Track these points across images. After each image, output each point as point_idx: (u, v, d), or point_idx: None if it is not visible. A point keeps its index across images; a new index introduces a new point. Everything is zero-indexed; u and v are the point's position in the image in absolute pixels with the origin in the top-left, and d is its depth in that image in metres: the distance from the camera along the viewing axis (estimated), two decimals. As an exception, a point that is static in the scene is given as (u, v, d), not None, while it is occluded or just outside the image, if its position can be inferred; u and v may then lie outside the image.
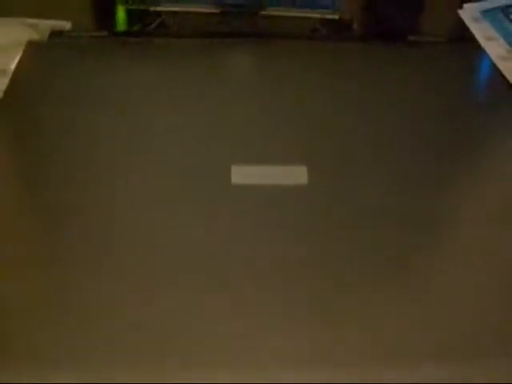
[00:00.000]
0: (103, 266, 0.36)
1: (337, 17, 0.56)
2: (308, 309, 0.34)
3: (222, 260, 0.36)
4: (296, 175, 0.42)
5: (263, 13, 0.56)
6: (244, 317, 0.34)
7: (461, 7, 0.60)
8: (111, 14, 0.56)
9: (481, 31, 0.58)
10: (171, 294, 0.35)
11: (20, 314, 0.34)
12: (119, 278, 0.35)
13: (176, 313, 0.34)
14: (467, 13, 0.60)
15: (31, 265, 0.36)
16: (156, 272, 0.36)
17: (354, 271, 0.36)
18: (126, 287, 0.35)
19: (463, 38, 0.57)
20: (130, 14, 0.56)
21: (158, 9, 0.56)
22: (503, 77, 0.51)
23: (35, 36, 0.53)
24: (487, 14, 0.60)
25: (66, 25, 0.55)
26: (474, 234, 0.39)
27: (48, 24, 0.55)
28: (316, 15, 0.57)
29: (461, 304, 0.35)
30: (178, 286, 0.35)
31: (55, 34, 0.53)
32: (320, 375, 0.32)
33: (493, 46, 0.55)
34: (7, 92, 0.48)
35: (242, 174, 0.41)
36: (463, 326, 0.34)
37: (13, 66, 0.50)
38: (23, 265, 0.36)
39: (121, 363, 0.32)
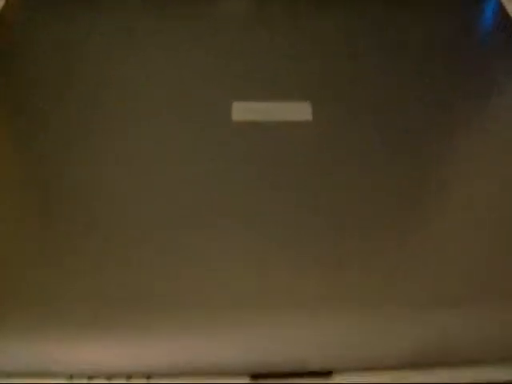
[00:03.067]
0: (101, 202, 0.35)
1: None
2: (312, 251, 0.33)
3: (222, 199, 0.35)
4: (300, 111, 0.40)
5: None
6: (237, 260, 0.32)
7: None
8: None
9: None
10: (167, 232, 0.33)
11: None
12: (118, 212, 0.34)
13: (173, 251, 0.32)
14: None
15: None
16: (153, 210, 0.34)
17: (356, 211, 0.35)
18: (125, 223, 0.34)
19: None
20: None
21: None
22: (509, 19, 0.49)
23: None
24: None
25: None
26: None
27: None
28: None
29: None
30: (175, 224, 0.34)
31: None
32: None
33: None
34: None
35: (244, 110, 0.39)
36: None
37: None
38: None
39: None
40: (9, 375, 0.29)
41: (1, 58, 0.43)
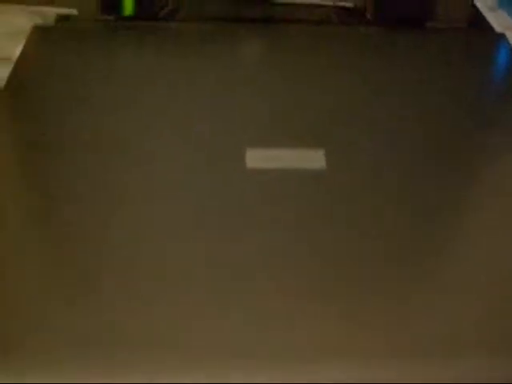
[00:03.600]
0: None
1: (351, 5, 0.55)
2: (320, 303, 0.32)
3: (236, 247, 0.35)
4: (313, 159, 0.40)
5: (275, 0, 0.55)
6: (257, 310, 0.32)
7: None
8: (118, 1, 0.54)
9: (498, 20, 0.56)
10: (183, 280, 0.33)
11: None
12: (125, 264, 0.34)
13: (184, 307, 0.32)
14: (483, 1, 0.58)
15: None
16: (167, 262, 0.34)
17: (369, 262, 0.34)
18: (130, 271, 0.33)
19: (482, 25, 0.55)
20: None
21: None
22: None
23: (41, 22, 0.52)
24: (503, 2, 0.58)
25: (73, 11, 0.53)
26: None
27: (54, 11, 0.53)
28: (329, 3, 0.55)
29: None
30: (185, 273, 0.33)
31: (61, 19, 0.52)
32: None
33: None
34: (10, 80, 0.46)
35: (258, 158, 0.39)
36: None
37: (17, 53, 0.49)
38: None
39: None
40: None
41: (15, 102, 0.44)
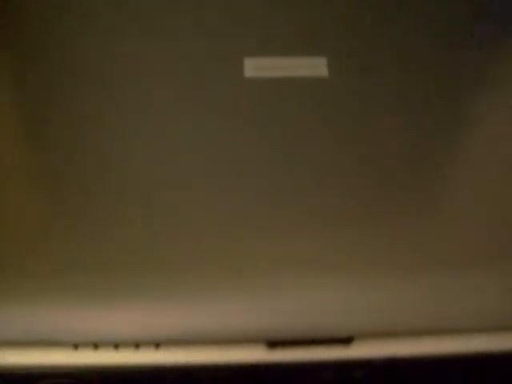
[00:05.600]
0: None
1: None
2: (331, 213, 0.31)
3: (235, 156, 0.33)
4: (315, 67, 0.38)
5: None
6: (251, 222, 0.31)
7: None
8: None
9: None
10: (182, 192, 0.32)
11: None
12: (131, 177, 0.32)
13: (181, 215, 0.31)
14: None
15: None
16: (167, 170, 0.33)
17: (365, 170, 0.33)
18: (136, 187, 0.32)
19: None
20: None
21: None
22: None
23: None
24: None
25: None
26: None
27: None
28: None
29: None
30: (190, 184, 0.32)
31: None
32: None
33: None
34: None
35: (256, 67, 0.37)
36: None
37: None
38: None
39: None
40: (10, 344, 0.28)
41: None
